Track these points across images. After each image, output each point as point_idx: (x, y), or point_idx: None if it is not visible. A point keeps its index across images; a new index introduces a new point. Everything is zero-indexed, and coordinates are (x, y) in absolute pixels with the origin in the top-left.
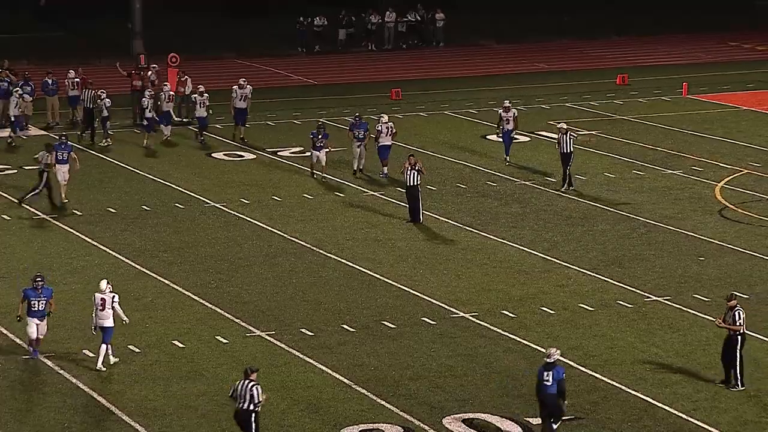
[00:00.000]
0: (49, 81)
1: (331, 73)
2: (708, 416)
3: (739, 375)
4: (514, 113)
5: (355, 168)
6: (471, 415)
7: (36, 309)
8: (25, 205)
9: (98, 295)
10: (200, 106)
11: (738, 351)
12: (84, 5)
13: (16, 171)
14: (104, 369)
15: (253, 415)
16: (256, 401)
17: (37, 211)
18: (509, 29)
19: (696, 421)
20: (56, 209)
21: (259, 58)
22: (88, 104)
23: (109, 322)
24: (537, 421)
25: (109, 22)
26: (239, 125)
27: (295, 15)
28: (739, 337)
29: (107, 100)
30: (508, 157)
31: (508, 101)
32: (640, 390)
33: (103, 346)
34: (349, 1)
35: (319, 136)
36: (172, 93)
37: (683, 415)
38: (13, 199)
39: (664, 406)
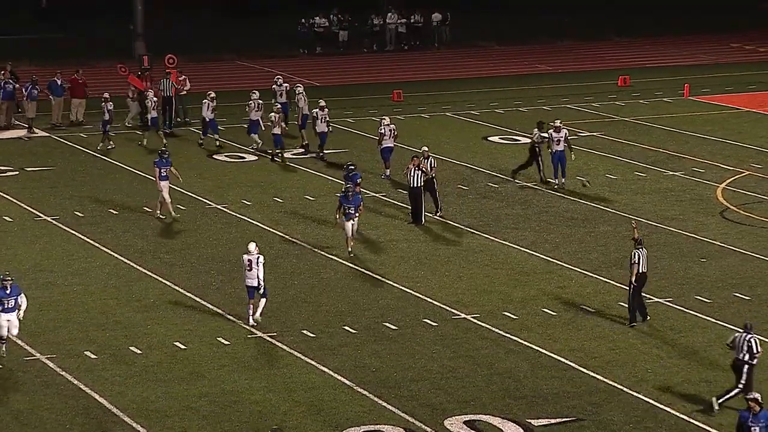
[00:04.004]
0: (58, 81)
1: (332, 74)
2: (709, 418)
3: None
4: (565, 134)
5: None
6: (472, 417)
7: None
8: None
9: (245, 257)
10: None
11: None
12: (85, 6)
13: (17, 172)
14: (258, 321)
15: (746, 366)
16: (753, 352)
17: (38, 214)
18: (510, 30)
19: (698, 423)
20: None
21: (260, 60)
22: (166, 93)
23: (256, 282)
24: (538, 422)
25: (109, 23)
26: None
27: (296, 16)
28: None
29: (110, 103)
30: (556, 180)
31: (559, 120)
32: (641, 392)
33: (262, 300)
34: (350, 3)
35: (350, 197)
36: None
37: (685, 417)
38: (12, 200)
39: (665, 408)
